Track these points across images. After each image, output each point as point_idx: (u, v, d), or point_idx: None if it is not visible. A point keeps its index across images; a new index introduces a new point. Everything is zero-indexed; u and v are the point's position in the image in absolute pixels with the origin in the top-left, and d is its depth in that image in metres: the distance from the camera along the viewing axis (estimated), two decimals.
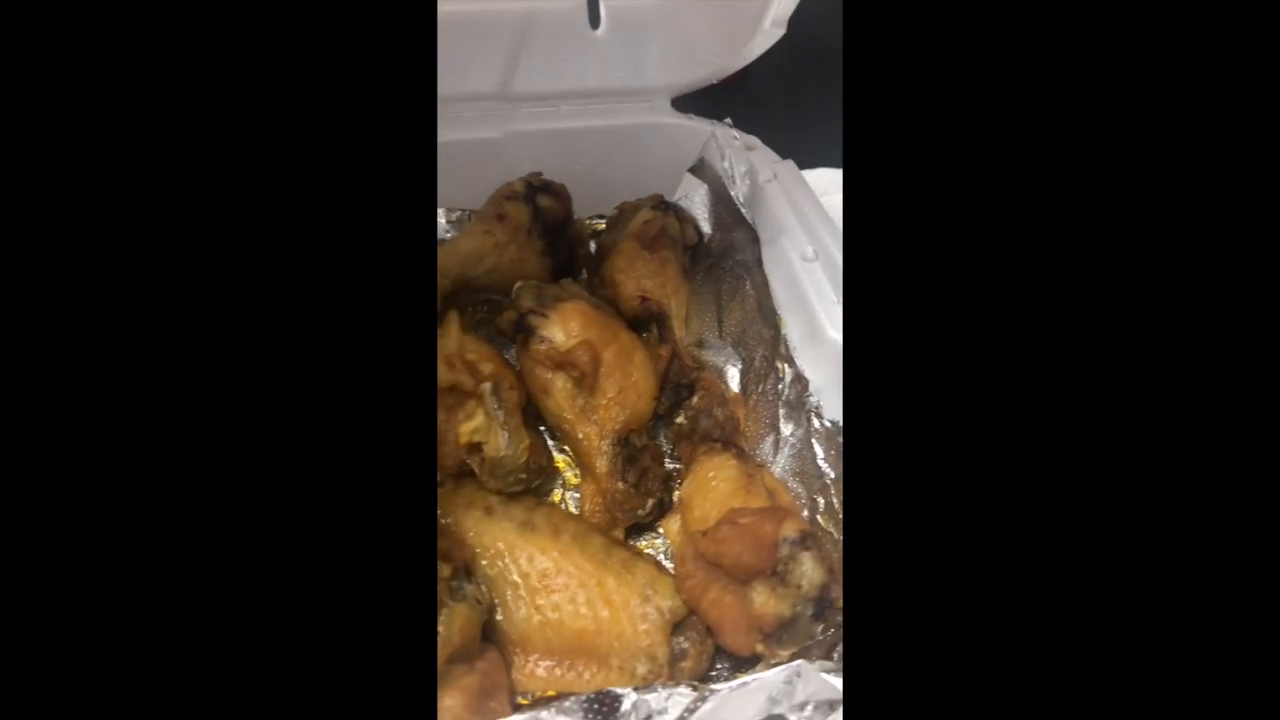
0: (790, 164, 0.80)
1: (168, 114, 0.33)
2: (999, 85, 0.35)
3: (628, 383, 0.68)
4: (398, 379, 0.35)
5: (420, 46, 0.35)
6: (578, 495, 0.70)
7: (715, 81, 0.86)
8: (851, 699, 0.35)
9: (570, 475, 0.71)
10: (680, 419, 0.73)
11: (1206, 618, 0.32)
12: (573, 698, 0.51)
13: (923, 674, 0.34)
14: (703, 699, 0.53)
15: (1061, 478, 0.34)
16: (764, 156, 0.80)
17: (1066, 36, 0.34)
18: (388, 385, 0.35)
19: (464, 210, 0.87)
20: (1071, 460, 0.34)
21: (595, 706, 0.51)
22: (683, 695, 0.53)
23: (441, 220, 0.87)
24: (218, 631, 0.32)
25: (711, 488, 0.63)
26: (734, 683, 0.51)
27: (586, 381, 0.67)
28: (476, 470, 0.64)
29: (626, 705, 0.51)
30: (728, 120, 0.85)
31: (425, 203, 0.36)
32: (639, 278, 0.76)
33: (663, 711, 0.52)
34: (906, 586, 0.35)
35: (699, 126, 0.87)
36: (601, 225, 0.87)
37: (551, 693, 0.57)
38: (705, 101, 0.88)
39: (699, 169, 0.85)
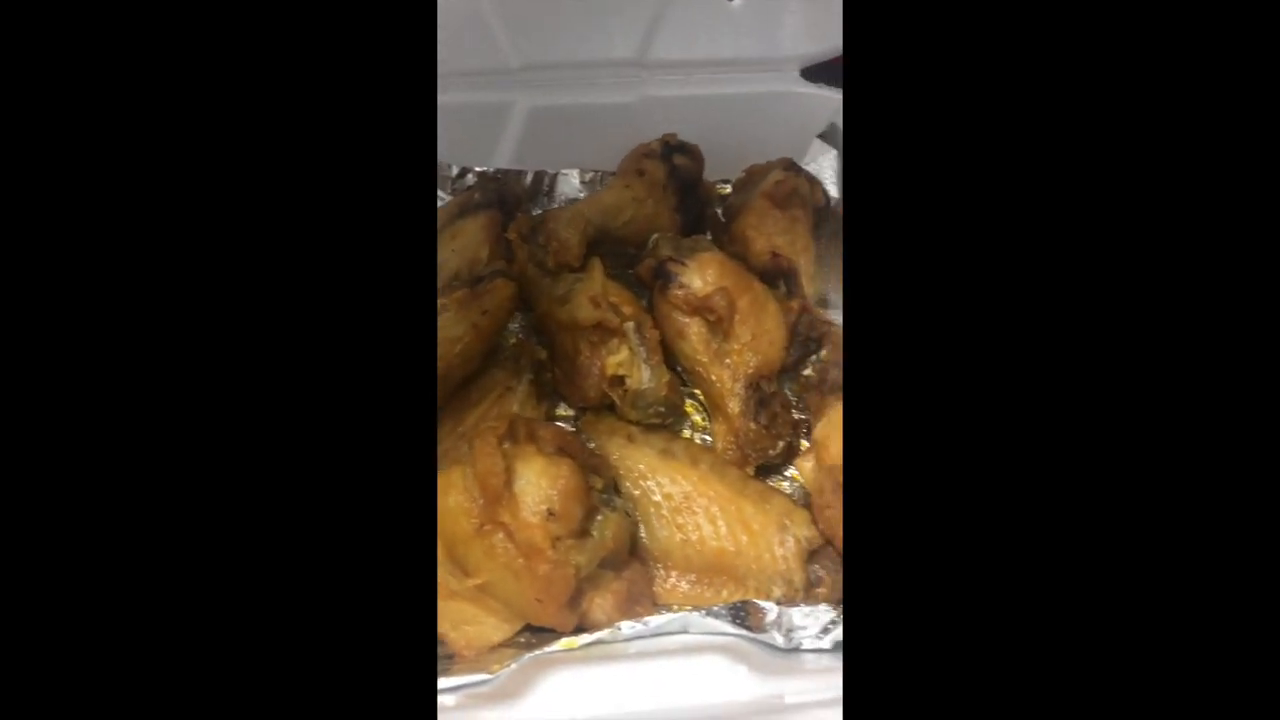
0: None
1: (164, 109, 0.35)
2: None
3: (760, 330, 0.70)
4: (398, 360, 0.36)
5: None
6: (705, 437, 0.72)
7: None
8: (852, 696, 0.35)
9: (698, 418, 0.74)
10: (808, 371, 0.75)
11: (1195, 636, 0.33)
12: (721, 605, 0.54)
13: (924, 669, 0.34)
14: (840, 619, 0.55)
15: (1061, 482, 0.35)
16: None
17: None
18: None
19: (596, 171, 0.91)
20: (1071, 463, 0.35)
21: (741, 614, 0.54)
22: (822, 614, 0.55)
23: (575, 180, 0.91)
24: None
25: None
26: None
27: (722, 327, 0.70)
28: (618, 401, 0.67)
29: (771, 616, 0.54)
30: None
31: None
32: (770, 235, 0.78)
33: (803, 627, 0.54)
34: (910, 581, 0.35)
35: (827, 95, 0.89)
36: (727, 190, 0.90)
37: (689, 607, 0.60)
38: (832, 72, 0.91)
39: (828, 135, 0.87)
